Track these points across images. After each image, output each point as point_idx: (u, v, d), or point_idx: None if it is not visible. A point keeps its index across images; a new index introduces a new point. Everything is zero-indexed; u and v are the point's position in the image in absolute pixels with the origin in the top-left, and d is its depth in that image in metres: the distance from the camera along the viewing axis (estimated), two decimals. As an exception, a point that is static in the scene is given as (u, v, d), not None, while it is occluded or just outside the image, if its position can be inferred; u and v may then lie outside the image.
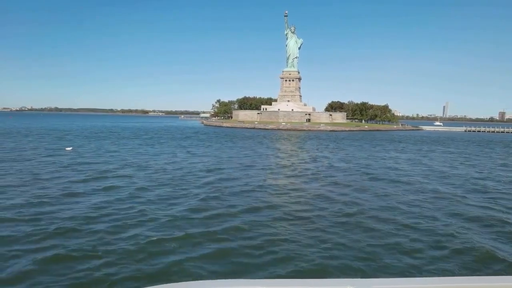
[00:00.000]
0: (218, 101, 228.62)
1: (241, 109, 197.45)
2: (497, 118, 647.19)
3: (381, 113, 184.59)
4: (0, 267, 11.33)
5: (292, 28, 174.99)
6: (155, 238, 14.05)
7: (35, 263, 11.67)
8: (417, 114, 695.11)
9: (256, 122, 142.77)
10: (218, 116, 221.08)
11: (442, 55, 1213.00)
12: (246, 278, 1.34)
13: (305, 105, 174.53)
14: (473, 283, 1.97)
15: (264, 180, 27.66)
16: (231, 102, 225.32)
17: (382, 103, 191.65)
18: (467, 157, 50.69)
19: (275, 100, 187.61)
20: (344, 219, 17.30)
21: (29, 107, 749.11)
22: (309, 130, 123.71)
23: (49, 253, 12.43)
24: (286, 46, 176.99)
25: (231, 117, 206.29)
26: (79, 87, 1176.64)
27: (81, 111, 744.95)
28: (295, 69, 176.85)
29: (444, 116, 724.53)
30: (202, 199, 20.72)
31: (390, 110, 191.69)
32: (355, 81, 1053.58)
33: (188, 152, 48.88)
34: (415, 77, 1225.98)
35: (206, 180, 27.17)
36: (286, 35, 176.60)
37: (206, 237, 14.49)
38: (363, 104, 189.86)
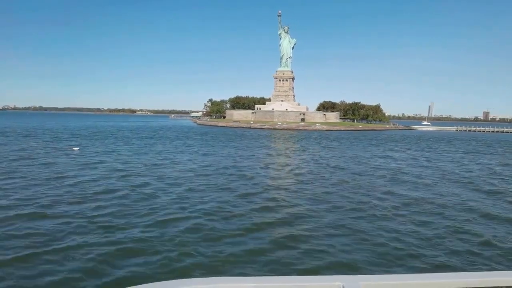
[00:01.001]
0: (210, 100, 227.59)
1: (234, 108, 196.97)
2: (482, 118, 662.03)
3: (373, 113, 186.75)
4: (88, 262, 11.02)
5: (286, 28, 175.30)
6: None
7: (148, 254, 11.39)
8: (403, 114, 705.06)
9: (251, 122, 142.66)
10: (210, 116, 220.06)
11: (428, 55, 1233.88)
12: (237, 276, 1.41)
13: (298, 104, 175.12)
14: (461, 279, 2.00)
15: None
16: (223, 102, 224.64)
17: (371, 103, 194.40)
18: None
19: (268, 100, 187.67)
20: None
21: (12, 106, 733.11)
22: (305, 129, 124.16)
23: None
24: (280, 46, 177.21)
25: (224, 117, 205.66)
26: (64, 86, 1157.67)
27: (67, 110, 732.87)
28: (289, 69, 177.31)
29: (430, 115, 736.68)
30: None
31: (381, 110, 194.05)
32: (341, 80, 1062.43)
33: (204, 153, 48.49)
34: (400, 77, 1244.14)
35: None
36: (279, 35, 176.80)
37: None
38: (356, 104, 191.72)
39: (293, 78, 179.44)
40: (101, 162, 35.58)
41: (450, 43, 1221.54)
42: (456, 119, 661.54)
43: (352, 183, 26.87)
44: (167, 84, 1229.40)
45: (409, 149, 61.54)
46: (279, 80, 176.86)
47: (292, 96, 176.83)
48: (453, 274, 2.09)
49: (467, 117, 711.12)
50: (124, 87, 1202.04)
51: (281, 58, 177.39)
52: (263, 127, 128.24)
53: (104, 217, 16.69)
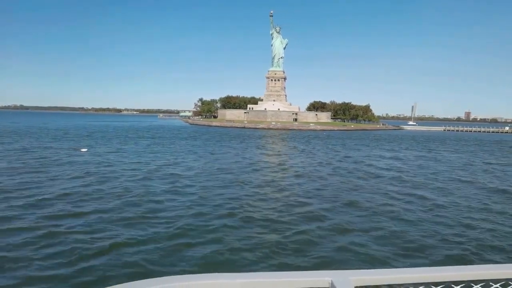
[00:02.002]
0: (201, 99, 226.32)
1: (225, 108, 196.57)
2: (463, 118, 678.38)
3: (363, 113, 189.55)
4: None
5: (278, 28, 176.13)
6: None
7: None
8: (387, 114, 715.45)
9: (245, 122, 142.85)
10: (201, 115, 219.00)
11: (411, 55, 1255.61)
12: (228, 272, 1.41)
13: (290, 104, 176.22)
14: (452, 272, 2.05)
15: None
16: (213, 101, 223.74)
17: (355, 103, 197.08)
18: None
19: (259, 100, 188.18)
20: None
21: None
22: (300, 129, 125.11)
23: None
24: (272, 46, 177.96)
25: (215, 116, 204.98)
26: (46, 85, 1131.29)
27: (51, 109, 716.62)
28: (281, 69, 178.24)
29: (413, 116, 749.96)
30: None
31: (370, 110, 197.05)
32: (325, 80, 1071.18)
33: (211, 153, 48.55)
34: (384, 77, 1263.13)
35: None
36: (271, 35, 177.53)
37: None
38: (346, 104, 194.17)
39: (285, 78, 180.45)
40: (120, 163, 35.35)
41: (433, 43, 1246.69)
42: (438, 119, 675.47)
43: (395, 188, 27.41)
44: (152, 83, 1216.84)
45: (413, 149, 62.92)
46: (271, 80, 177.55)
47: (284, 96, 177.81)
48: (443, 268, 2.11)
49: (449, 117, 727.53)
50: (108, 86, 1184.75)
51: (273, 58, 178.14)
52: (257, 127, 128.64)
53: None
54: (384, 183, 28.05)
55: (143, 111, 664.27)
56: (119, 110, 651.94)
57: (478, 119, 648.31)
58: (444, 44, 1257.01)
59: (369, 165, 39.30)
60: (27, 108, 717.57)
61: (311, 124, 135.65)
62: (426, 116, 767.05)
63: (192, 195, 21.83)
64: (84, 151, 45.74)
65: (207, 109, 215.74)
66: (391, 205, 20.67)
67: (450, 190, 25.85)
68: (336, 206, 20.23)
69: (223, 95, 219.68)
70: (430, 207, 20.40)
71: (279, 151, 52.41)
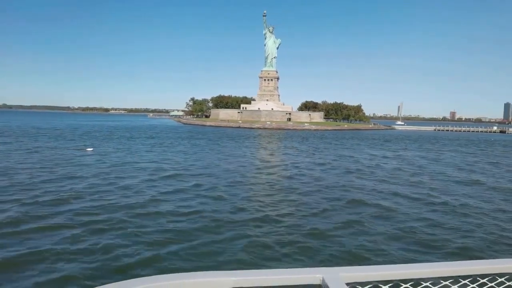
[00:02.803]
0: (192, 99, 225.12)
1: (217, 107, 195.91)
2: (449, 118, 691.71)
3: (355, 113, 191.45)
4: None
5: (271, 28, 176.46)
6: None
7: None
8: (374, 114, 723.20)
9: (240, 121, 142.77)
10: (192, 115, 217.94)
11: (396, 55, 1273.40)
12: (221, 270, 1.49)
13: (283, 104, 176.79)
14: (441, 268, 2.11)
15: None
16: (205, 101, 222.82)
17: (348, 103, 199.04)
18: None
19: (251, 99, 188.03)
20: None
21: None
22: (295, 129, 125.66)
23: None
24: (265, 46, 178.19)
25: (207, 116, 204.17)
26: (31, 83, 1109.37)
27: (35, 108, 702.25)
28: (274, 69, 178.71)
29: (399, 115, 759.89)
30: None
31: (362, 110, 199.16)
32: (311, 80, 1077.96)
33: (220, 151, 48.52)
34: (371, 77, 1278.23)
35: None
36: (264, 34, 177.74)
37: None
38: (338, 104, 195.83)
39: (278, 78, 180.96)
40: (135, 162, 35.09)
41: (419, 42, 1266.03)
42: (425, 119, 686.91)
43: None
44: (139, 83, 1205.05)
45: (406, 149, 64.01)
46: (264, 80, 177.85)
47: (277, 96, 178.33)
48: (433, 263, 2.16)
49: (435, 117, 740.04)
50: (95, 85, 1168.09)
51: (266, 58, 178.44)
52: (252, 126, 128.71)
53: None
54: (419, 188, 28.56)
55: (131, 110, 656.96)
56: (107, 110, 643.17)
57: (463, 119, 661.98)
58: (430, 43, 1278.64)
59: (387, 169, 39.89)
60: (10, 107, 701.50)
61: (306, 124, 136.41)
62: (412, 115, 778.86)
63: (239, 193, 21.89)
64: (90, 151, 45.27)
65: (199, 108, 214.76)
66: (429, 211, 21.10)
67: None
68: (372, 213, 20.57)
69: (213, 95, 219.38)
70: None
71: (287, 151, 52.68)
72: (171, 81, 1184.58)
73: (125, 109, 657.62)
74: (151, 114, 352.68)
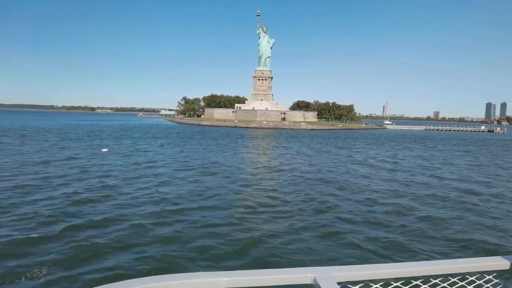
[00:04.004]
0: (184, 98, 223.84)
1: (210, 107, 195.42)
2: (433, 117, 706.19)
3: (347, 113, 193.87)
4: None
5: (265, 27, 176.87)
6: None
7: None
8: (360, 113, 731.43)
9: (236, 121, 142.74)
10: (184, 114, 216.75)
11: (382, 56, 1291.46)
12: (213, 270, 1.82)
13: (277, 104, 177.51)
14: (431, 267, 2.17)
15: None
16: (197, 100, 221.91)
17: (341, 103, 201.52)
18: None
19: (243, 98, 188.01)
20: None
21: None
22: (292, 129, 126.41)
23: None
24: (259, 45, 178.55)
25: (198, 115, 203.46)
26: (11, 81, 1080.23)
27: (17, 107, 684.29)
28: (268, 69, 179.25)
29: (384, 115, 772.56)
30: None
31: (353, 110, 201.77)
32: (297, 79, 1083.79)
33: (235, 154, 48.57)
34: (355, 77, 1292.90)
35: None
36: (258, 34, 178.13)
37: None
38: (329, 104, 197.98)
39: (271, 78, 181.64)
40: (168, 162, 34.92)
41: (404, 42, 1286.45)
42: (409, 118, 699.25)
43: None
44: (125, 82, 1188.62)
45: (411, 149, 65.36)
46: (258, 79, 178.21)
47: (271, 96, 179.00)
48: (422, 262, 2.22)
49: (419, 116, 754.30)
50: (79, 84, 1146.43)
51: (260, 58, 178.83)
52: (249, 126, 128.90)
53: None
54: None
55: (117, 109, 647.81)
56: (93, 109, 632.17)
57: (447, 118, 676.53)
58: (414, 43, 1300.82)
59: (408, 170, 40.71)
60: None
61: (303, 124, 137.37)
62: (397, 115, 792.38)
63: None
64: (105, 151, 44.70)
65: (191, 108, 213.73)
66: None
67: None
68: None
69: (203, 94, 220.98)
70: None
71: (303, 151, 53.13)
72: (158, 80, 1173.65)
73: (111, 108, 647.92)
74: (141, 114, 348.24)
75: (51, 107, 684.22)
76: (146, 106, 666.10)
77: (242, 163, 38.09)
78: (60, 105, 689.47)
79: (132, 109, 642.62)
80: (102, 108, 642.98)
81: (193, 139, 69.32)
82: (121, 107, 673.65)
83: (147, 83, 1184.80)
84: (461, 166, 40.44)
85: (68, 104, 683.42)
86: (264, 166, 35.56)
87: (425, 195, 23.38)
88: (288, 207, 19.28)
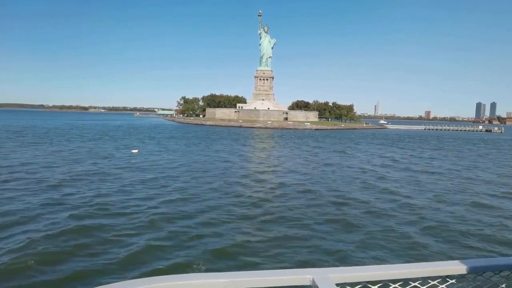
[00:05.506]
0: (183, 98, 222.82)
1: (210, 106, 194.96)
2: (424, 117, 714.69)
3: (347, 113, 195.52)
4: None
5: (266, 28, 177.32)
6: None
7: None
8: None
9: (241, 121, 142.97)
10: (183, 114, 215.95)
11: (374, 56, 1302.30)
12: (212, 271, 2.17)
13: (277, 104, 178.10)
14: (426, 268, 2.17)
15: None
16: (196, 99, 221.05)
17: (340, 103, 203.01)
18: None
19: (243, 98, 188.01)
20: None
21: None
22: (296, 128, 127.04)
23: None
24: (260, 45, 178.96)
25: (197, 115, 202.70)
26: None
27: (6, 106, 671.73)
28: (269, 69, 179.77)
29: (376, 114, 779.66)
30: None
31: (353, 110, 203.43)
32: (289, 79, 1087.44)
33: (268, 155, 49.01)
34: (347, 76, 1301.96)
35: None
36: (259, 34, 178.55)
37: None
38: (329, 104, 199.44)
39: (272, 78, 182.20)
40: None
41: (395, 42, 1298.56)
42: (400, 118, 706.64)
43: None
44: (119, 81, 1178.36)
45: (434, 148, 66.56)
46: (260, 79, 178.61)
47: (272, 95, 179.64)
48: (421, 264, 2.23)
49: (411, 115, 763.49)
50: (70, 83, 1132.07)
51: (261, 58, 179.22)
52: (254, 126, 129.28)
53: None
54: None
55: (110, 109, 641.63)
56: (85, 108, 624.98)
57: (438, 118, 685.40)
58: (406, 43, 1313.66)
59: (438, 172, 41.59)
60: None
61: (307, 124, 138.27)
62: (388, 114, 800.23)
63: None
64: (135, 152, 44.77)
65: (190, 107, 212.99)
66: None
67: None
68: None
69: (201, 94, 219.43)
70: None
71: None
72: (151, 80, 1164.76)
73: (104, 108, 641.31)
74: (138, 113, 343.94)
75: (41, 106, 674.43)
76: (139, 106, 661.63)
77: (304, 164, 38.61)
78: (50, 104, 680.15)
79: (125, 109, 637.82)
80: (95, 107, 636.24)
81: (212, 139, 69.57)
82: (113, 107, 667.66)
83: (140, 83, 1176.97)
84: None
85: (58, 104, 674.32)
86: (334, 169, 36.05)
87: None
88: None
